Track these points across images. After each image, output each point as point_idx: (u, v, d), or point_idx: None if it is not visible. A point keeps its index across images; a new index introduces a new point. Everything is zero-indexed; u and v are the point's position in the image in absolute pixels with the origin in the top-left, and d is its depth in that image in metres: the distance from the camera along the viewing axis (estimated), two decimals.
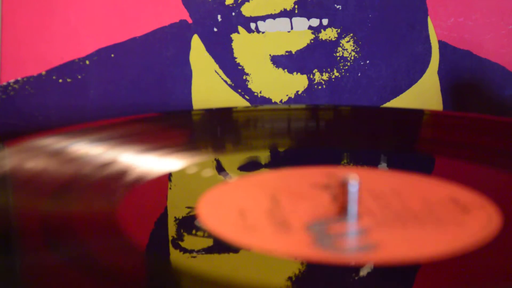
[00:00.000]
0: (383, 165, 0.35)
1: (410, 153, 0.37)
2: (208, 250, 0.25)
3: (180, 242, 0.26)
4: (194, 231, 0.26)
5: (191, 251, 0.25)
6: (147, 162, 0.33)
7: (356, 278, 0.23)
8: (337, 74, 0.46)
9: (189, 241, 0.26)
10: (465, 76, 0.47)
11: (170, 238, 0.26)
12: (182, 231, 0.27)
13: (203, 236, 0.26)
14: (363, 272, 0.23)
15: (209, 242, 0.25)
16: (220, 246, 0.25)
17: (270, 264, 0.24)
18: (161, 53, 0.45)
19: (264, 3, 0.45)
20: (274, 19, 0.45)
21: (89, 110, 0.44)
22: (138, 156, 0.34)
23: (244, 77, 0.46)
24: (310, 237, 0.25)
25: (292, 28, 0.46)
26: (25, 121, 0.44)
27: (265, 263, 0.24)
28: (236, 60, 0.46)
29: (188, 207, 0.29)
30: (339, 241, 0.25)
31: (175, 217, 0.28)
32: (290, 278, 0.23)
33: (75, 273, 0.22)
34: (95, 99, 0.44)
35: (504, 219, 0.27)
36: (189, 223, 0.27)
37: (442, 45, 0.47)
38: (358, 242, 0.25)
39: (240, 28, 0.45)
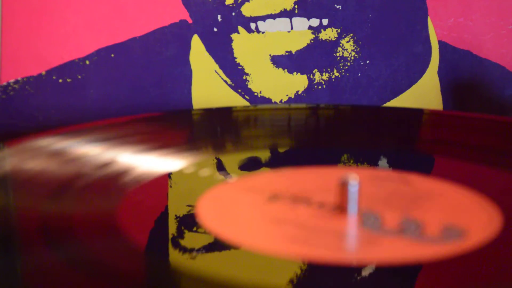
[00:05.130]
0: (383, 164, 0.35)
1: (410, 153, 0.37)
2: (208, 248, 0.25)
3: (180, 240, 0.26)
4: (194, 228, 0.26)
5: (191, 250, 0.25)
6: (147, 162, 0.33)
7: (356, 278, 0.23)
8: (337, 74, 0.46)
9: (189, 240, 0.26)
10: (465, 76, 0.47)
11: (170, 238, 0.26)
12: (182, 228, 0.27)
13: (204, 233, 0.26)
14: (363, 272, 0.23)
15: (209, 239, 0.25)
16: (220, 244, 0.25)
17: (270, 264, 0.24)
18: (161, 53, 0.45)
19: (264, 3, 0.45)
20: (274, 19, 0.45)
21: (89, 110, 0.44)
22: (138, 156, 0.34)
23: (244, 77, 0.46)
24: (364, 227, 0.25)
25: (292, 28, 0.46)
26: (25, 121, 0.44)
27: (265, 262, 0.24)
28: (236, 60, 0.46)
29: (189, 205, 0.29)
30: (424, 229, 0.25)
31: (175, 216, 0.28)
32: (290, 278, 0.23)
33: (75, 273, 0.22)
34: (95, 99, 0.44)
35: (505, 219, 0.27)
36: (189, 221, 0.27)
37: (442, 45, 0.47)
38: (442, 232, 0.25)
39: (240, 28, 0.45)
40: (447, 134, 0.38)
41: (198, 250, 0.25)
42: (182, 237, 0.26)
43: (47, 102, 0.44)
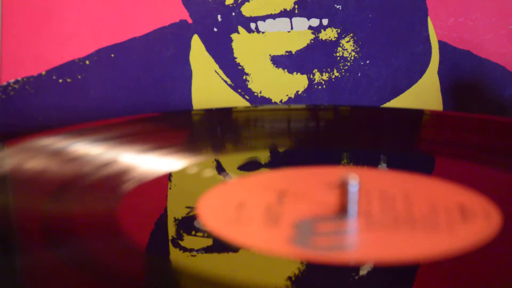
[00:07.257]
0: (383, 165, 0.35)
1: (410, 153, 0.37)
2: (207, 250, 0.25)
3: (180, 241, 0.26)
4: (193, 232, 0.26)
5: (191, 250, 0.25)
6: (147, 162, 0.33)
7: (356, 278, 0.23)
8: (337, 74, 0.46)
9: (188, 241, 0.26)
10: (465, 76, 0.47)
11: (170, 238, 0.26)
12: (181, 231, 0.27)
13: (203, 236, 0.26)
14: (363, 272, 0.23)
15: (208, 242, 0.25)
16: (220, 246, 0.25)
17: (270, 264, 0.24)
18: (161, 53, 0.45)
19: (264, 3, 0.45)
20: (274, 19, 0.45)
21: (89, 110, 0.44)
22: (138, 156, 0.34)
23: (244, 77, 0.46)
24: (293, 234, 0.25)
25: (292, 28, 0.46)
26: (25, 121, 0.44)
27: (264, 263, 0.24)
28: (236, 60, 0.46)
29: (188, 207, 0.29)
30: (317, 240, 0.25)
31: (174, 217, 0.28)
32: (289, 278, 0.23)
33: (75, 273, 0.22)
34: (95, 99, 0.44)
35: (504, 219, 0.27)
36: (189, 223, 0.27)
37: (442, 45, 0.47)
38: (334, 242, 0.25)
39: (240, 28, 0.45)
40: (447, 135, 0.38)
41: (198, 251, 0.25)
42: (182, 239, 0.26)
43: (47, 102, 0.44)
